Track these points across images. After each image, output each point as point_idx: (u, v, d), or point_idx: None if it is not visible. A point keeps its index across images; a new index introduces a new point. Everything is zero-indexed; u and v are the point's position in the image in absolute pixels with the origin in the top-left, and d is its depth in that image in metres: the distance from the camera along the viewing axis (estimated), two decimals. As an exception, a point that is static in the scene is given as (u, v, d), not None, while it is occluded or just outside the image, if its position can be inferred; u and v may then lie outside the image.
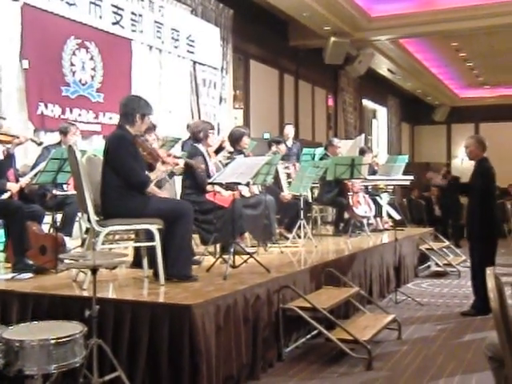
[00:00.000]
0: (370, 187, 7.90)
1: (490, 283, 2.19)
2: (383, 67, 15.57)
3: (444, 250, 8.64)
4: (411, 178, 7.36)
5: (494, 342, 2.45)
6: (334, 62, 12.68)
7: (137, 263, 4.57)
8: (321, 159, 7.74)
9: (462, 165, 16.22)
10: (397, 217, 8.43)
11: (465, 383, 3.78)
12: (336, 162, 6.89)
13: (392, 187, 8.65)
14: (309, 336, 4.61)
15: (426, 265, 8.29)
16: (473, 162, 5.68)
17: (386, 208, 8.35)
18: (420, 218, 11.71)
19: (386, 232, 7.76)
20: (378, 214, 8.11)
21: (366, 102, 16.83)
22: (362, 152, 8.09)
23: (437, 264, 8.20)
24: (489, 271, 2.25)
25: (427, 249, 8.21)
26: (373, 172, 7.98)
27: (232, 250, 4.64)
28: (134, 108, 4.12)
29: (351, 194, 7.38)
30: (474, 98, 20.34)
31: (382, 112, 18.42)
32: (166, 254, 4.09)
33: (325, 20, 11.29)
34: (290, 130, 8.53)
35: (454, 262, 8.22)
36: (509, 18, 11.00)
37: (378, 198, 8.15)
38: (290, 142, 8.31)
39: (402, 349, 4.54)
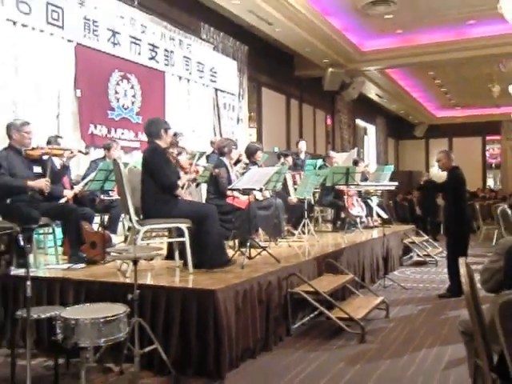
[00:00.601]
0: (362, 191, 7.88)
1: (463, 270, 2.19)
2: (372, 92, 15.57)
3: (424, 243, 8.58)
4: (396, 183, 7.52)
5: (465, 319, 2.45)
6: (332, 88, 12.73)
7: (170, 255, 4.58)
8: (320, 168, 7.75)
9: (438, 172, 16.19)
10: (384, 216, 8.39)
11: (441, 353, 3.76)
12: (333, 171, 6.87)
13: (380, 191, 8.70)
14: (312, 315, 4.59)
15: (409, 255, 8.24)
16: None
17: (375, 209, 8.31)
18: (404, 217, 11.61)
19: (376, 229, 7.71)
20: (369, 213, 8.08)
21: (359, 121, 16.81)
22: (356, 162, 8.09)
23: (418, 255, 8.14)
24: (461, 261, 2.25)
25: (410, 242, 8.16)
26: (365, 179, 7.96)
27: (248, 244, 4.63)
28: (157, 126, 4.18)
29: (346, 197, 7.38)
30: (447, 117, 20.38)
31: (371, 129, 18.38)
32: (201, 249, 4.11)
33: (324, 54, 11.35)
34: (303, 145, 8.52)
35: (432, 253, 8.17)
36: (474, 52, 11.19)
37: (368, 200, 8.12)
38: (303, 155, 8.31)
39: (390, 325, 4.53)
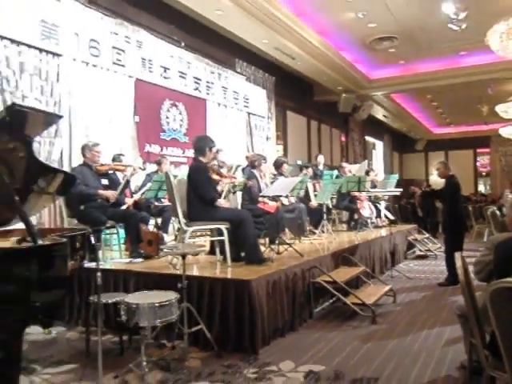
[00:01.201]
0: (372, 196, 7.75)
1: (459, 263, 2.18)
2: (379, 113, 15.33)
3: (425, 240, 8.35)
4: (400, 190, 7.52)
5: (461, 304, 2.43)
6: (345, 110, 12.59)
7: (212, 251, 4.59)
8: (336, 178, 7.66)
9: (437, 180, 15.88)
10: (391, 217, 8.23)
11: (441, 333, 3.67)
12: (348, 180, 6.79)
13: (387, 196, 8.53)
14: (331, 301, 4.53)
15: (412, 250, 8.01)
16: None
17: (383, 211, 8.14)
18: (407, 218, 11.32)
19: (384, 228, 7.55)
20: (378, 215, 7.92)
21: (368, 138, 16.53)
22: (366, 172, 7.96)
23: (420, 250, 7.91)
24: (457, 255, 2.24)
25: (413, 239, 7.95)
26: (374, 186, 7.88)
27: (277, 241, 4.61)
28: (204, 144, 4.14)
29: (359, 201, 7.26)
30: (443, 133, 19.94)
31: (379, 144, 18.06)
32: (239, 247, 4.10)
33: (338, 82, 11.25)
34: (321, 159, 8.45)
35: (432, 248, 7.95)
36: (465, 78, 10.97)
37: (377, 203, 7.97)
38: (321, 167, 8.24)
39: (397, 309, 4.44)
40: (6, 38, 4.70)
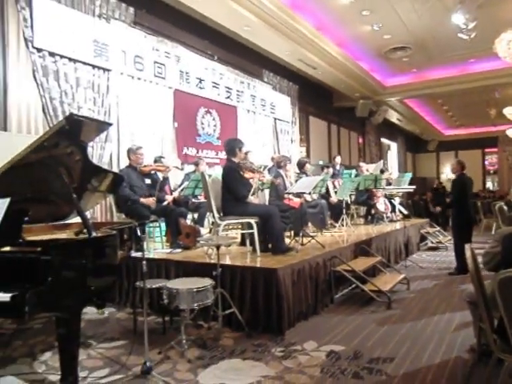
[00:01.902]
0: (387, 193, 7.56)
1: (468, 253, 2.13)
2: (394, 117, 14.92)
3: (436, 232, 8.08)
4: (414, 187, 7.31)
5: (471, 291, 2.39)
6: (362, 115, 12.33)
7: (242, 243, 4.60)
8: (355, 176, 7.52)
9: (447, 178, 15.57)
10: (405, 212, 8.00)
11: (452, 318, 3.56)
12: (365, 178, 6.64)
13: (401, 193, 8.30)
14: (350, 288, 4.45)
15: (425, 242, 7.77)
16: (454, 176, 5.42)
17: (398, 206, 7.93)
18: (420, 213, 10.98)
19: (398, 222, 7.35)
20: (393, 210, 7.72)
21: (383, 140, 16.13)
22: (382, 171, 7.77)
23: (432, 242, 7.67)
24: (467, 246, 2.19)
25: (425, 232, 7.71)
26: (389, 184, 7.69)
27: (301, 234, 4.56)
28: (234, 145, 4.13)
29: (375, 197, 7.10)
30: (453, 134, 19.24)
31: (393, 146, 17.57)
32: (267, 240, 4.07)
33: (355, 89, 11.03)
34: (338, 159, 8.29)
35: (443, 240, 7.69)
36: (474, 83, 10.52)
37: (392, 200, 7.77)
38: (338, 167, 8.11)
39: (410, 296, 4.32)
40: (64, 56, 4.83)
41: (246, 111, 8.24)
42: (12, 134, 4.34)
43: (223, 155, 7.45)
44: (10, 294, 1.87)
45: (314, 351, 2.89)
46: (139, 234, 2.72)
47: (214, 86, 7.34)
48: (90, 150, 4.92)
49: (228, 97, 7.70)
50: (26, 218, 2.09)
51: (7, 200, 2.08)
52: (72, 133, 2.46)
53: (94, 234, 2.43)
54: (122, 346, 3.03)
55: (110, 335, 3.27)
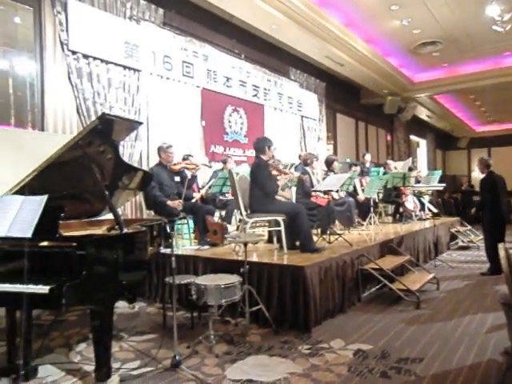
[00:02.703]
0: (416, 191, 7.34)
1: (502, 253, 2.05)
2: (423, 113, 14.44)
3: (467, 231, 7.76)
4: (444, 185, 7.00)
5: (505, 292, 2.29)
6: (391, 112, 11.98)
7: (269, 240, 4.58)
8: (383, 174, 7.34)
9: (479, 176, 14.86)
10: (435, 210, 7.74)
11: (484, 320, 3.41)
12: (393, 176, 6.47)
13: (431, 191, 8.05)
14: (377, 287, 4.36)
15: (455, 242, 7.48)
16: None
17: (427, 204, 7.68)
18: (450, 211, 10.59)
19: (427, 220, 7.12)
20: (422, 208, 7.49)
21: (412, 137, 15.67)
22: (410, 169, 7.57)
23: (462, 241, 7.38)
24: (500, 245, 2.11)
25: (456, 231, 7.43)
26: (418, 181, 7.48)
27: (328, 232, 4.50)
28: (263, 143, 4.11)
29: (404, 195, 6.91)
30: (486, 131, 18.35)
31: (422, 143, 17.02)
32: (295, 237, 4.04)
33: (383, 86, 10.75)
34: (368, 157, 8.12)
35: (475, 239, 7.38)
36: (508, 77, 9.98)
37: (421, 198, 7.53)
38: (368, 164, 7.95)
39: (440, 296, 4.18)
40: (97, 58, 4.97)
41: (272, 109, 8.20)
42: (49, 133, 4.51)
43: (250, 153, 7.48)
44: (48, 287, 1.94)
45: (341, 349, 2.85)
46: (169, 230, 2.74)
47: (241, 85, 7.34)
48: (120, 148, 5.02)
49: (255, 95, 7.69)
50: (63, 214, 2.15)
51: (45, 197, 2.15)
52: (104, 132, 2.53)
53: (125, 230, 2.48)
54: (152, 339, 3.09)
55: (140, 329, 3.34)
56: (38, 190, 2.35)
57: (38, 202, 2.12)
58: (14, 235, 2.04)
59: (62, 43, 4.67)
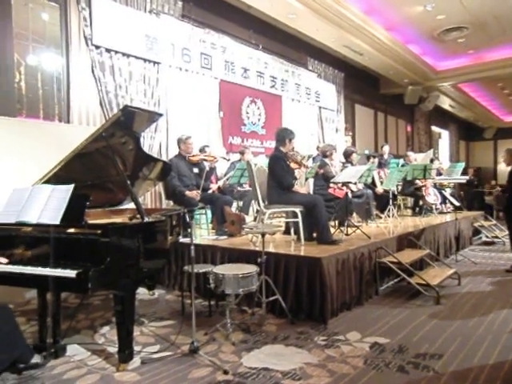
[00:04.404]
0: (437, 184, 7.21)
1: None
2: (446, 103, 14.03)
3: (492, 226, 7.50)
4: (467, 177, 6.80)
5: None
6: (411, 102, 11.72)
7: (286, 231, 4.60)
8: (402, 166, 7.23)
9: (506, 168, 14.24)
10: (457, 204, 7.58)
11: (509, 318, 3.33)
12: (413, 168, 6.36)
13: (453, 184, 7.88)
14: (395, 280, 4.32)
15: (478, 237, 7.31)
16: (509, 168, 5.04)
17: (448, 197, 7.53)
18: (473, 205, 10.32)
19: (449, 214, 6.99)
20: (443, 201, 7.35)
21: (434, 128, 15.29)
22: (431, 161, 7.42)
23: (486, 236, 7.18)
24: None
25: (479, 226, 7.24)
26: (439, 174, 7.32)
27: (346, 224, 4.50)
28: (285, 135, 4.10)
29: (424, 188, 6.79)
30: (515, 121, 17.67)
31: (445, 134, 16.61)
32: (312, 229, 4.05)
33: (404, 75, 10.51)
34: (386, 149, 8.02)
35: (500, 235, 7.15)
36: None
37: (443, 191, 7.39)
38: (386, 156, 7.85)
39: (461, 292, 4.09)
40: (119, 52, 5.09)
41: (290, 100, 8.17)
42: (74, 125, 4.68)
43: (268, 144, 7.50)
44: (75, 271, 2.04)
45: (357, 342, 2.86)
46: (188, 220, 2.81)
47: (258, 76, 7.34)
48: (141, 140, 5.12)
49: (273, 86, 7.68)
50: (88, 203, 2.25)
51: (72, 186, 2.25)
52: (126, 123, 2.61)
53: (146, 219, 2.57)
54: (171, 325, 3.19)
55: (159, 315, 3.45)
56: (65, 179, 2.46)
57: (65, 191, 2.22)
58: (44, 222, 2.15)
59: (86, 38, 4.81)
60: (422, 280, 3.88)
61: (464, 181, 7.47)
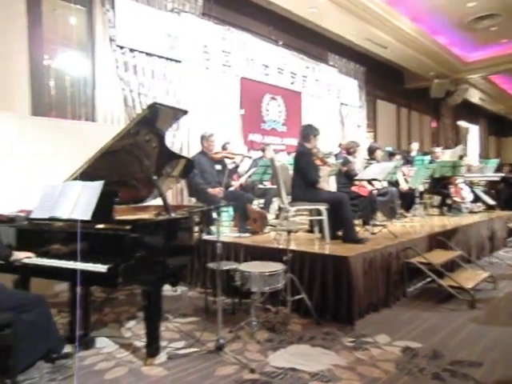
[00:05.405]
0: (466, 182, 7.00)
1: None
2: (475, 96, 13.56)
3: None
4: (500, 174, 6.51)
5: None
6: (438, 96, 11.38)
7: (309, 229, 4.57)
8: (429, 163, 7.07)
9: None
10: (490, 202, 7.31)
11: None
12: (441, 165, 6.19)
13: (484, 182, 7.63)
14: (424, 282, 4.21)
15: (513, 238, 7.05)
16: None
17: (482, 196, 7.27)
18: (507, 204, 9.92)
19: (480, 213, 6.77)
20: (474, 200, 7.12)
21: (461, 123, 14.85)
22: (461, 157, 7.21)
23: (522, 237, 6.92)
24: None
25: (514, 226, 6.98)
26: (469, 171, 7.11)
27: (371, 223, 4.43)
28: (309, 131, 4.08)
29: (453, 186, 6.60)
30: (552, 114, 16.86)
31: (473, 129, 16.11)
32: (338, 227, 4.01)
33: (430, 68, 10.25)
34: (415, 146, 7.88)
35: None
36: None
37: (473, 189, 7.17)
38: (414, 153, 7.70)
39: (498, 296, 3.91)
40: (142, 51, 5.20)
41: (310, 96, 8.13)
42: (99, 124, 4.82)
43: (288, 142, 7.48)
44: (106, 266, 2.09)
45: (386, 345, 2.80)
46: (215, 216, 2.82)
47: (278, 72, 7.33)
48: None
49: (293, 82, 7.65)
50: (117, 199, 2.29)
51: (101, 182, 2.30)
52: (152, 120, 2.65)
53: (173, 215, 2.60)
54: (195, 322, 3.22)
55: (183, 311, 3.48)
56: (92, 177, 2.51)
57: (95, 188, 2.27)
58: (76, 217, 2.21)
59: (110, 39, 4.94)
60: (455, 282, 3.74)
61: (498, 178, 7.21)
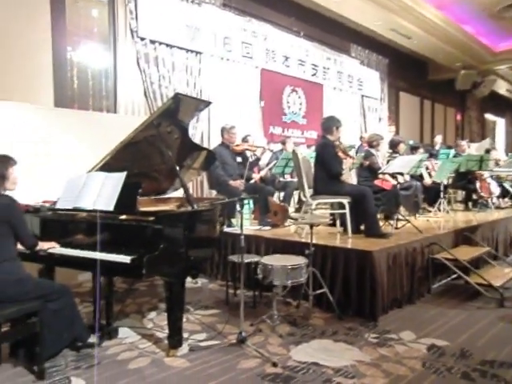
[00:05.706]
0: (493, 176, 6.74)
1: None
2: (503, 88, 13.09)
3: None
4: None
5: None
6: (464, 88, 11.05)
7: (332, 223, 4.48)
8: (454, 157, 6.84)
9: None
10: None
11: None
12: (468, 159, 5.99)
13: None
14: (449, 278, 4.09)
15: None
16: None
17: (510, 190, 7.00)
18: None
19: (507, 209, 6.52)
20: (501, 195, 6.87)
21: (487, 116, 14.34)
22: (488, 151, 6.96)
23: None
24: None
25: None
26: (497, 165, 6.84)
27: (395, 217, 4.32)
28: (332, 123, 3.99)
29: (479, 181, 6.38)
30: None
31: (500, 122, 15.56)
32: (361, 221, 3.93)
33: (456, 58, 9.92)
34: (439, 139, 7.66)
35: None
36: None
37: (502, 184, 6.91)
38: (438, 147, 7.48)
39: (529, 295, 3.74)
40: (163, 43, 5.19)
41: (332, 88, 8.02)
42: (120, 115, 4.85)
43: (308, 134, 7.38)
44: (130, 257, 2.08)
45: (412, 342, 2.72)
46: (239, 209, 2.79)
47: (299, 64, 7.23)
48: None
49: (314, 74, 7.54)
50: (140, 190, 2.28)
51: (124, 173, 2.29)
52: (175, 111, 2.62)
53: (196, 207, 2.57)
54: (216, 314, 3.21)
55: (204, 303, 3.48)
56: (115, 168, 2.51)
57: (118, 179, 2.26)
58: (99, 208, 2.21)
59: (131, 31, 4.96)
60: (483, 279, 3.61)
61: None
